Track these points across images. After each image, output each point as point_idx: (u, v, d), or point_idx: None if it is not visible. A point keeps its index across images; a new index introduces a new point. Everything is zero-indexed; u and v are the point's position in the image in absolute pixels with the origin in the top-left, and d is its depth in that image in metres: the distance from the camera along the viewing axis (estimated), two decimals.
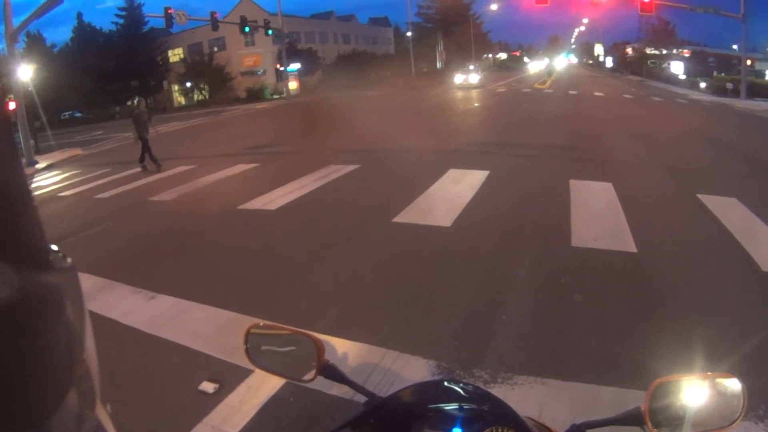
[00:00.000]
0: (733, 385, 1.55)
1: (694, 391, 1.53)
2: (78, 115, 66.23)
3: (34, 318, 0.67)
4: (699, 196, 11.31)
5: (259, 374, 4.56)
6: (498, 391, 4.58)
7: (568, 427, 1.59)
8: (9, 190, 0.67)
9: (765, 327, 6.05)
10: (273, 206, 10.89)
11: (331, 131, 23.74)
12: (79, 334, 0.77)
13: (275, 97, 63.12)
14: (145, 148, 19.05)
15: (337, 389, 4.11)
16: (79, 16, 69.22)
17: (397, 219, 9.55)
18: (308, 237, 9.01)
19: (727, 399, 1.54)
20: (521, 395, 4.58)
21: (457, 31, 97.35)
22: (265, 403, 4.48)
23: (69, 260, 0.80)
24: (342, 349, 5.33)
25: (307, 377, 1.72)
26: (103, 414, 0.84)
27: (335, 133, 22.68)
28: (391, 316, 6.10)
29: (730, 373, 1.57)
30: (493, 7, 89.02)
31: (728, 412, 1.52)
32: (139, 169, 18.61)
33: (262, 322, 1.93)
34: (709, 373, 1.58)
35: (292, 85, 62.55)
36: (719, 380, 1.56)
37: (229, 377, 4.84)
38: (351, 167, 14.25)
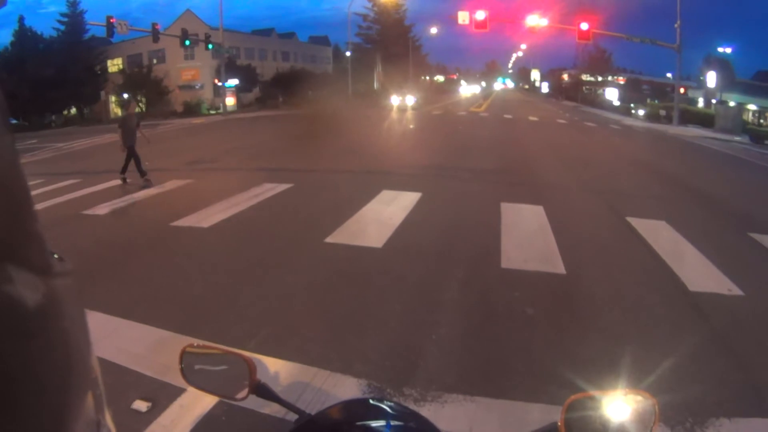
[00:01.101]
0: (646, 401, 1.63)
1: (608, 406, 1.61)
2: (13, 122, 64.34)
3: (34, 322, 0.70)
4: (628, 219, 11.67)
5: (191, 393, 4.61)
6: (428, 409, 4.72)
7: None
8: (9, 194, 0.70)
9: (690, 345, 6.33)
10: (206, 224, 10.83)
11: (265, 149, 23.69)
12: (81, 338, 0.81)
13: (212, 112, 62.50)
14: (130, 158, 17.10)
15: (269, 408, 4.17)
16: (21, 20, 67.64)
17: (329, 239, 9.62)
18: (241, 256, 9.00)
19: (640, 414, 1.62)
20: (451, 413, 4.69)
21: (396, 52, 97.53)
22: (197, 422, 4.50)
23: (67, 265, 0.83)
24: (274, 368, 5.38)
25: (239, 396, 1.77)
26: (110, 420, 0.91)
27: (270, 152, 22.64)
28: (322, 336, 6.17)
29: (643, 390, 1.66)
30: (433, 30, 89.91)
31: (642, 427, 1.61)
32: (119, 182, 16.90)
33: (196, 342, 1.96)
34: (622, 390, 1.66)
35: (230, 101, 62.16)
36: (632, 396, 1.64)
37: (161, 396, 4.83)
38: (284, 186, 14.23)
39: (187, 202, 12.79)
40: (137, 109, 64.80)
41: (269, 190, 13.84)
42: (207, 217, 11.22)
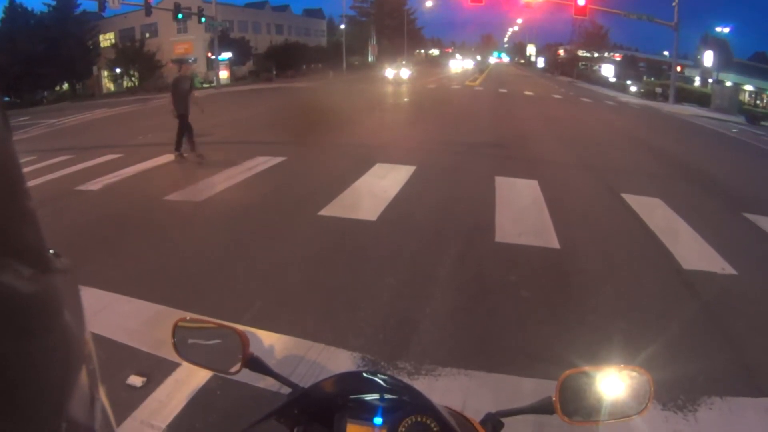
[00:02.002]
0: (640, 376, 1.66)
1: (602, 382, 1.64)
2: (6, 99, 64.10)
3: (33, 321, 0.70)
4: (623, 195, 11.69)
5: (186, 368, 4.61)
6: (422, 382, 4.76)
7: (483, 415, 1.72)
8: (6, 190, 0.69)
9: (683, 323, 6.40)
10: (200, 198, 10.82)
11: (258, 122, 23.62)
12: (78, 334, 0.80)
13: (205, 86, 62.13)
14: (184, 129, 15.29)
15: (263, 382, 4.18)
16: None
17: (323, 212, 9.63)
18: (234, 229, 9.01)
19: (635, 390, 1.65)
20: (445, 386, 4.73)
21: (390, 25, 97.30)
22: (192, 397, 4.51)
23: (66, 261, 0.83)
24: (268, 341, 5.39)
25: (232, 369, 1.77)
26: (104, 395, 0.91)
27: (263, 125, 22.57)
28: (316, 309, 6.20)
29: (638, 366, 1.68)
30: (428, 3, 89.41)
31: (636, 402, 1.64)
32: (174, 158, 15.43)
33: (189, 316, 1.96)
34: (617, 366, 1.68)
35: (223, 74, 61.81)
36: (626, 372, 1.67)
37: (156, 371, 4.84)
38: (277, 159, 14.22)
39: (180, 176, 12.78)
40: (129, 84, 64.86)
41: (262, 163, 13.81)
42: (200, 191, 11.22)
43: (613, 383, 1.64)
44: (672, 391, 4.91)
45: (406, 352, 5.29)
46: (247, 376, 1.89)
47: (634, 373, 1.67)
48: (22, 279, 0.68)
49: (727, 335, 6.33)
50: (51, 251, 0.80)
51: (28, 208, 0.73)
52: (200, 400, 4.49)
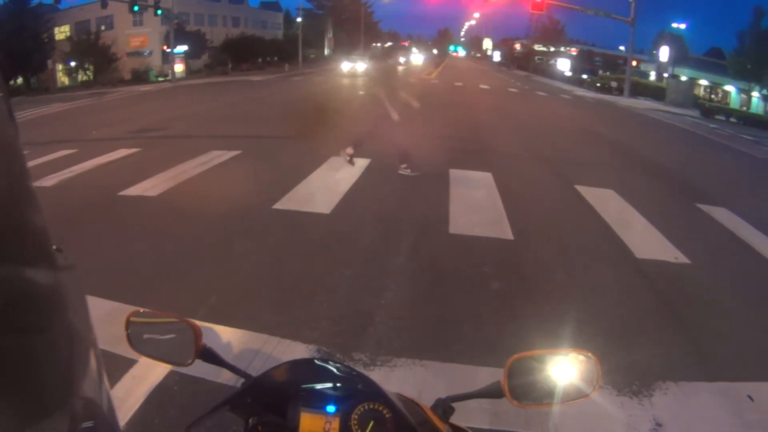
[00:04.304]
0: (588, 359, 1.68)
1: (550, 365, 1.66)
2: None
3: (39, 315, 0.72)
4: (577, 187, 11.84)
5: (143, 363, 4.57)
6: (378, 373, 4.78)
7: (434, 401, 1.74)
8: (13, 188, 0.70)
9: (637, 310, 6.57)
10: (154, 192, 10.68)
11: (213, 116, 23.45)
12: (83, 326, 0.84)
13: (160, 79, 61.44)
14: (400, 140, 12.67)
15: (221, 377, 4.16)
16: None
17: (277, 206, 9.59)
18: (189, 224, 8.91)
19: (582, 373, 1.67)
20: (401, 377, 4.76)
21: (347, 18, 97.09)
22: (150, 393, 4.47)
23: (70, 258, 0.85)
24: (224, 335, 5.36)
25: (186, 361, 1.77)
26: (106, 379, 0.94)
27: (218, 119, 22.43)
28: (271, 303, 6.16)
29: (585, 349, 1.70)
30: None
31: (584, 385, 1.66)
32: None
33: (141, 310, 1.94)
34: (564, 349, 1.71)
35: (178, 67, 61.09)
36: (573, 355, 1.69)
37: (113, 368, 4.71)
38: (232, 153, 14.10)
39: (135, 170, 12.62)
40: (84, 77, 63.94)
41: (217, 157, 13.69)
42: (155, 186, 11.09)
43: (561, 366, 1.66)
44: (627, 377, 4.99)
45: (362, 344, 5.31)
46: (204, 371, 1.89)
47: (582, 356, 1.69)
48: (28, 275, 0.70)
49: (681, 322, 6.49)
50: (54, 247, 0.81)
51: (33, 204, 0.75)
52: (158, 396, 4.43)
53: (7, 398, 0.67)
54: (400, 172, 12.23)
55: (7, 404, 0.67)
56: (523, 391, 1.65)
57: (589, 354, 1.69)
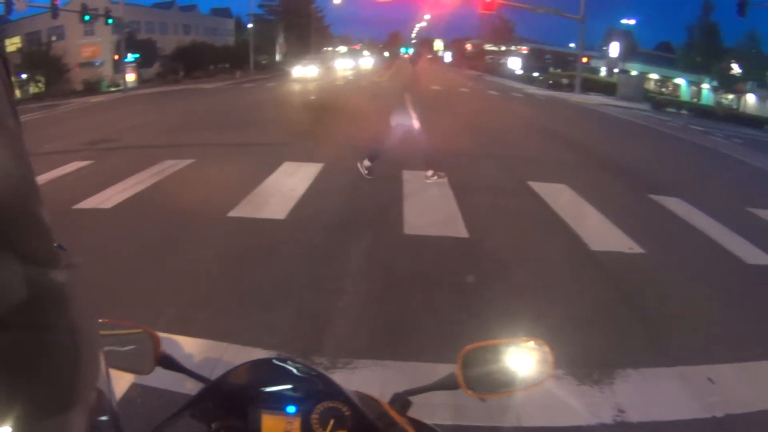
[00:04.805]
0: (540, 347, 1.71)
1: (503, 354, 1.68)
2: None
3: (44, 313, 0.72)
4: (530, 183, 11.96)
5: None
6: (339, 375, 4.71)
7: (391, 396, 1.75)
8: (18, 189, 0.71)
9: (594, 301, 6.68)
10: (109, 204, 10.49)
11: (166, 125, 23.24)
12: (88, 323, 0.84)
13: (112, 89, 60.74)
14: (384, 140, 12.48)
15: (185, 387, 4.16)
16: None
17: (232, 213, 9.51)
18: (145, 235, 8.79)
19: (535, 360, 1.69)
20: (362, 378, 4.76)
21: (298, 23, 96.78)
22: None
23: (72, 256, 0.85)
24: (184, 346, 5.31)
25: (146, 370, 1.76)
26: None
27: (171, 128, 22.23)
28: (230, 311, 6.12)
29: (537, 338, 1.73)
30: (336, 0, 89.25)
31: (537, 373, 1.69)
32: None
33: (99, 320, 1.94)
34: (516, 338, 1.73)
35: (130, 77, 60.42)
36: (525, 344, 1.72)
37: None
38: (186, 162, 13.92)
39: (89, 183, 12.46)
40: (35, 90, 63.05)
41: (171, 166, 13.54)
42: (109, 198, 10.94)
43: (513, 355, 1.68)
44: (587, 367, 5.06)
45: (322, 347, 5.29)
46: (168, 383, 1.88)
47: (533, 344, 1.72)
48: (33, 273, 0.71)
49: (638, 310, 6.62)
50: (57, 245, 0.82)
51: (38, 202, 0.76)
52: (120, 409, 4.40)
53: (15, 393, 0.68)
54: (428, 181, 11.93)
55: (15, 398, 0.68)
56: (478, 381, 1.67)
57: (541, 342, 1.72)
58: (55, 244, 0.81)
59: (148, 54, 68.12)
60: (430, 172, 11.99)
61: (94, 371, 0.88)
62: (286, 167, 12.75)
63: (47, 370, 0.72)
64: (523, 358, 1.69)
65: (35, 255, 0.73)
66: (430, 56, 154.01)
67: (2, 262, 0.68)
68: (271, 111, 26.37)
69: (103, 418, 0.93)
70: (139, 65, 65.10)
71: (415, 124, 11.86)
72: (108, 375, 0.96)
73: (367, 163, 12.07)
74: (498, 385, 1.69)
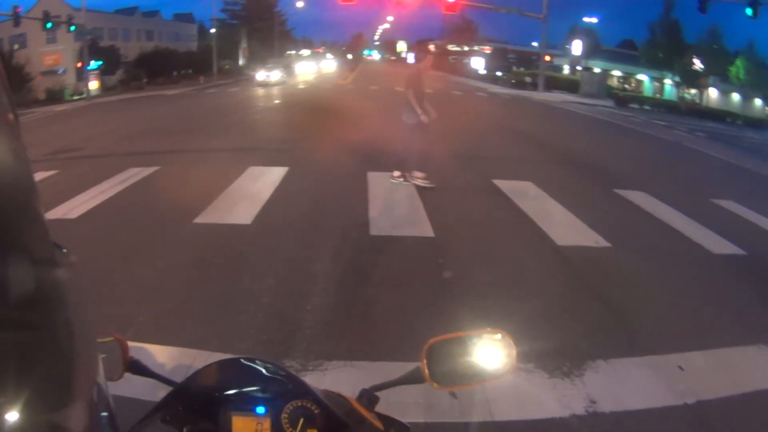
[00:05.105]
0: (503, 339, 1.71)
1: (467, 347, 1.69)
2: None
3: (41, 311, 0.72)
4: (495, 181, 12.02)
5: None
6: (310, 377, 4.69)
7: (359, 392, 1.75)
8: (16, 187, 0.71)
9: (562, 295, 6.76)
10: (74, 215, 10.33)
11: (130, 133, 23.05)
12: (84, 323, 0.83)
13: (75, 98, 60.08)
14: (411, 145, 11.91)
15: (156, 395, 4.11)
16: None
17: (199, 220, 9.42)
18: (111, 244, 8.65)
19: (499, 352, 1.69)
20: (333, 379, 4.75)
21: (261, 27, 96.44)
22: None
23: (70, 255, 0.85)
24: (155, 354, 5.26)
25: (114, 376, 1.74)
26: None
27: (135, 135, 22.05)
28: (199, 318, 6.07)
29: (499, 329, 1.73)
30: (299, 4, 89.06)
31: (501, 363, 1.69)
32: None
33: None
34: (479, 330, 1.72)
35: (93, 84, 59.93)
36: (488, 335, 1.71)
37: None
38: (151, 169, 13.76)
39: (53, 193, 12.32)
40: None
41: (136, 174, 13.40)
42: (74, 208, 10.81)
43: (477, 347, 1.69)
44: (557, 359, 5.12)
45: (292, 350, 5.28)
46: (139, 392, 1.86)
47: (497, 335, 1.72)
48: (30, 271, 0.71)
49: (606, 302, 6.70)
50: (55, 244, 0.82)
51: (36, 201, 0.76)
52: None
53: (12, 391, 0.68)
54: (415, 182, 11.78)
55: (13, 396, 0.68)
56: (443, 374, 1.68)
57: (504, 333, 1.72)
58: (53, 242, 0.81)
59: (111, 61, 67.52)
60: (397, 173, 11.92)
61: (92, 369, 0.88)
62: (251, 172, 12.68)
63: (44, 368, 0.72)
64: (486, 350, 1.70)
65: (35, 253, 0.73)
66: (393, 58, 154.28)
67: (3, 260, 0.68)
68: (235, 116, 26.22)
69: (104, 414, 0.93)
70: (103, 72, 64.55)
71: (423, 119, 11.64)
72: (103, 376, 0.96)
73: (418, 174, 11.78)
74: (463, 377, 1.70)
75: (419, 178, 11.70)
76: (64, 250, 0.86)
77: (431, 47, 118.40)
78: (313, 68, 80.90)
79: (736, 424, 4.58)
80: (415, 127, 11.88)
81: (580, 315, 6.30)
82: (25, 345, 0.69)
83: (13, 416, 0.68)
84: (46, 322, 0.74)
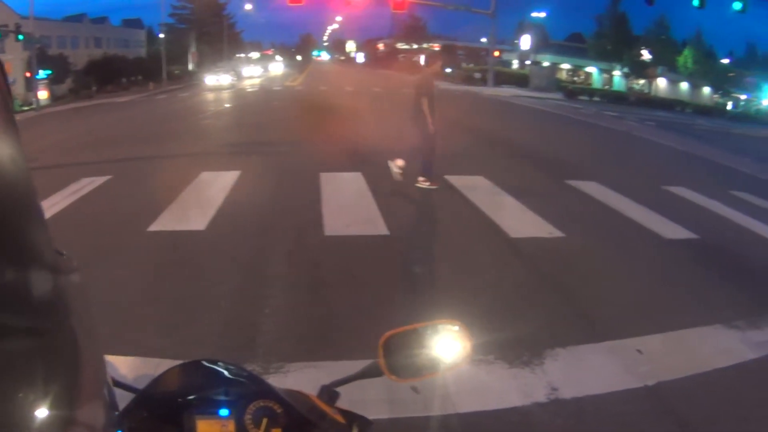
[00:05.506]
0: (457, 330, 1.72)
1: (422, 338, 1.70)
2: None
3: (43, 317, 0.72)
4: (447, 177, 12.06)
5: None
6: (272, 380, 4.67)
7: (319, 389, 1.76)
8: (17, 193, 0.70)
9: (519, 286, 6.83)
10: None
11: (81, 142, 22.78)
12: (87, 327, 0.85)
13: (25, 108, 59.16)
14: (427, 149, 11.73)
15: (120, 405, 4.08)
16: None
17: (153, 227, 9.27)
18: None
19: (453, 341, 1.70)
20: (295, 381, 4.73)
21: (210, 31, 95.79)
22: None
23: (72, 262, 0.87)
24: (117, 364, 5.15)
25: None
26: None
27: (86, 145, 21.79)
28: (158, 326, 5.99)
29: (453, 320, 1.74)
30: (248, 6, 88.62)
31: (456, 353, 1.70)
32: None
33: None
34: (432, 321, 1.74)
35: (42, 94, 58.99)
36: (442, 326, 1.73)
37: None
38: (103, 179, 13.48)
39: None
40: None
41: (88, 184, 13.17)
42: None
43: (432, 338, 1.70)
44: (517, 349, 5.17)
45: (253, 354, 5.25)
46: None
47: (449, 326, 1.73)
48: (32, 278, 0.71)
49: (562, 291, 6.82)
50: (57, 251, 0.83)
51: (36, 207, 0.77)
52: None
53: (13, 396, 0.67)
54: (417, 185, 11.68)
55: (17, 403, 0.67)
56: (401, 366, 1.69)
57: (456, 323, 1.74)
58: (54, 249, 0.81)
59: (60, 69, 66.54)
60: (422, 178, 11.79)
61: (100, 371, 0.91)
62: (204, 177, 12.56)
63: (49, 374, 0.72)
64: (441, 340, 1.71)
65: (37, 259, 0.74)
66: (342, 58, 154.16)
67: (5, 266, 0.67)
68: (186, 122, 25.99)
69: (116, 413, 0.96)
70: (52, 82, 63.65)
71: (431, 129, 11.60)
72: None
73: (399, 162, 11.83)
74: (420, 369, 1.71)
75: (396, 171, 11.85)
76: (65, 255, 0.87)
77: (380, 46, 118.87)
78: (259, 71, 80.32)
79: (697, 403, 4.68)
80: (426, 132, 11.81)
81: (537, 305, 6.39)
82: (30, 351, 0.69)
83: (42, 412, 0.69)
84: (51, 327, 0.74)
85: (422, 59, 14.40)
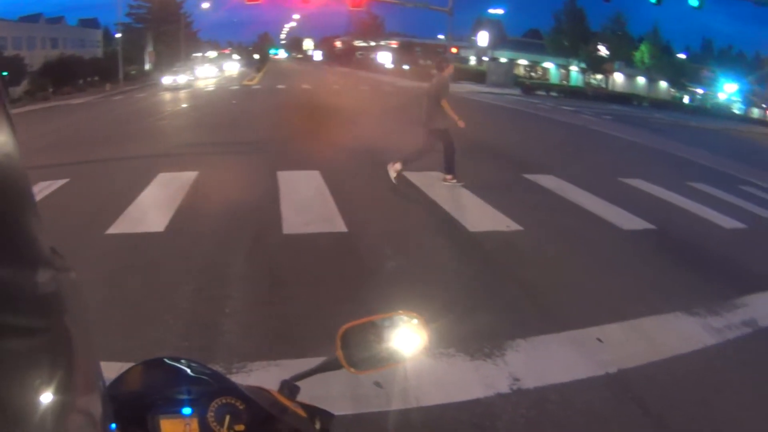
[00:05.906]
0: (415, 320, 1.73)
1: (380, 330, 1.71)
2: None
3: (37, 317, 0.71)
4: (405, 173, 11.99)
5: None
6: (235, 379, 4.69)
7: (279, 384, 1.75)
8: (11, 190, 0.70)
9: (478, 279, 6.91)
10: None
11: (37, 146, 22.52)
12: (81, 327, 0.83)
13: None
14: (448, 148, 12.07)
15: None
16: None
17: (111, 230, 9.12)
18: None
19: (411, 332, 1.72)
20: (258, 380, 4.61)
21: (167, 31, 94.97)
22: None
23: (65, 260, 0.84)
24: None
25: None
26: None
27: (42, 148, 21.55)
28: (118, 330, 5.93)
29: (411, 311, 1.75)
30: (205, 5, 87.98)
31: (414, 343, 1.71)
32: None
33: None
34: (389, 313, 1.75)
35: None
36: (399, 317, 1.74)
37: None
38: (60, 182, 13.21)
39: None
40: None
41: (44, 189, 12.94)
42: None
43: (389, 329, 1.71)
44: (478, 342, 5.21)
45: (215, 355, 5.23)
46: None
47: (406, 317, 1.74)
48: (25, 276, 0.71)
49: (521, 283, 6.88)
50: (53, 249, 0.82)
51: (31, 205, 0.75)
52: None
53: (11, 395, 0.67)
54: (445, 183, 11.88)
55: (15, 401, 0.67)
56: (360, 358, 1.69)
57: (413, 314, 1.75)
58: (48, 248, 0.80)
59: (15, 71, 65.71)
60: (449, 177, 11.89)
61: (95, 368, 0.90)
62: (162, 178, 12.42)
63: (42, 373, 0.72)
64: (398, 331, 1.72)
65: (33, 257, 0.73)
66: (300, 56, 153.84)
67: (1, 263, 0.67)
68: (142, 123, 25.65)
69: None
70: (7, 84, 62.83)
71: (461, 124, 12.15)
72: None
73: (397, 165, 11.90)
74: (379, 360, 1.72)
75: (394, 170, 11.86)
76: (57, 252, 0.84)
77: (337, 43, 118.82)
78: (214, 72, 79.75)
79: (658, 389, 4.76)
80: (444, 131, 12.26)
81: (496, 297, 6.45)
82: (23, 351, 0.69)
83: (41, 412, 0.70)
84: (45, 327, 0.73)
85: (435, 65, 14.30)
